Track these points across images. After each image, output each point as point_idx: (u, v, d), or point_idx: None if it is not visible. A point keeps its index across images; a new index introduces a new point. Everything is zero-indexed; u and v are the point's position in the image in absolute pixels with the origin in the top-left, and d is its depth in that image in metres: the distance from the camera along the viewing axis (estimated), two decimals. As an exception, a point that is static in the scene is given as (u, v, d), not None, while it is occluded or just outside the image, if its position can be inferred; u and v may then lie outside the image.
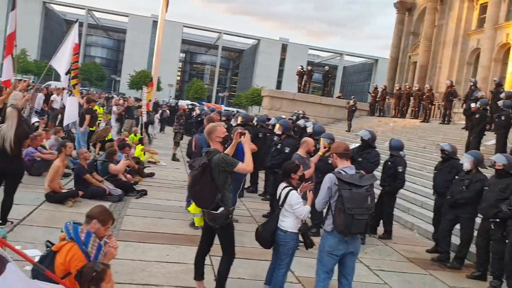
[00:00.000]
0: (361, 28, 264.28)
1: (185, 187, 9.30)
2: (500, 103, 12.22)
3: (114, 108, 19.51)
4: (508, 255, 5.92)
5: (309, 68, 28.30)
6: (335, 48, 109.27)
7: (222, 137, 4.63)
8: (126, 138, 14.17)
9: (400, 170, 8.28)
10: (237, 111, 26.50)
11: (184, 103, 38.06)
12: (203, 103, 47.95)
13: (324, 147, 7.70)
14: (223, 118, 12.67)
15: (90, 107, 13.42)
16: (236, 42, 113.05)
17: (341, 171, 4.29)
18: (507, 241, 6.05)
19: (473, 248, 7.08)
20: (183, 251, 6.25)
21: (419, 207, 10.36)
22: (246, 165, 4.54)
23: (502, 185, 6.38)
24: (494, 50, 30.96)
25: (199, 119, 17.72)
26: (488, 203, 6.45)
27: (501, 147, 11.47)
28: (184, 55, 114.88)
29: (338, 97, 30.37)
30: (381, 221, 8.48)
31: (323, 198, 4.27)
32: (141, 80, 69.74)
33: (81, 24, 64.47)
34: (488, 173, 7.33)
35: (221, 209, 4.41)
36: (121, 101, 21.05)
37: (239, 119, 11.20)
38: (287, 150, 9.19)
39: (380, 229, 8.47)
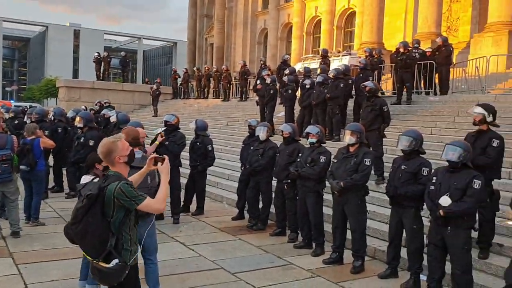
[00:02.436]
0: (158, 11, 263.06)
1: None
2: (285, 78, 13.68)
3: None
4: (300, 210, 6.87)
5: (105, 54, 27.32)
6: (133, 32, 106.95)
7: (127, 155, 3.34)
8: None
9: (210, 148, 8.80)
10: (30, 106, 24.23)
11: (-37, 103, 33.02)
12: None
13: (161, 136, 7.76)
14: (11, 115, 11.50)
15: None
16: (20, 30, 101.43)
17: None
18: (298, 198, 7.00)
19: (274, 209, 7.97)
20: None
21: (227, 179, 11.16)
22: (157, 201, 3.29)
23: (289, 150, 7.30)
24: (279, 30, 34.30)
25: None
26: (280, 167, 7.32)
27: (289, 118, 12.94)
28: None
29: (146, 82, 30.01)
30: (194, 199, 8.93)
31: None
32: None
33: None
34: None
35: (115, 261, 3.17)
36: None
37: (33, 116, 10.35)
38: (91, 142, 8.93)
39: (193, 206, 8.90)
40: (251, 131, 8.73)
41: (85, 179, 4.83)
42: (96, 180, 4.70)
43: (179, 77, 27.28)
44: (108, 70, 27.35)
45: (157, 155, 3.53)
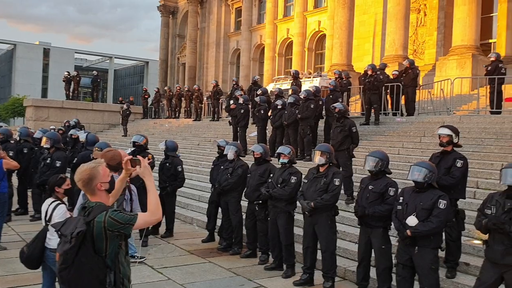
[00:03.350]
0: (129, 31, 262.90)
1: None
2: (257, 99, 13.75)
3: None
4: (271, 231, 6.84)
5: (75, 73, 27.02)
6: (105, 51, 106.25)
7: (109, 181, 3.05)
8: None
9: (180, 169, 8.69)
10: (-4, 126, 23.59)
11: None
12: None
13: (149, 158, 7.67)
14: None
15: None
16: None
17: None
18: (269, 219, 6.97)
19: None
20: None
21: (197, 201, 11.03)
22: (152, 212, 2.99)
23: (261, 171, 7.31)
24: (252, 51, 34.66)
25: None
26: (251, 188, 7.30)
27: (261, 138, 12.97)
28: None
29: (120, 101, 29.43)
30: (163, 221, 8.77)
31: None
32: None
33: None
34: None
35: None
36: None
37: (-2, 136, 10.08)
38: (58, 164, 8.74)
39: (162, 229, 8.74)
40: (220, 152, 8.69)
41: (47, 202, 4.70)
42: (55, 203, 4.61)
43: (149, 96, 27.08)
44: (78, 90, 27.03)
45: (132, 157, 3.18)
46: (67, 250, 2.78)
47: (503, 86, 12.47)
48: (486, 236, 4.57)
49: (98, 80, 28.76)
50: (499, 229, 4.27)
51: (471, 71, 17.15)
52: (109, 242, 2.84)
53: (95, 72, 29.66)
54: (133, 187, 4.49)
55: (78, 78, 26.32)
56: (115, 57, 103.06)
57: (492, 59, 12.99)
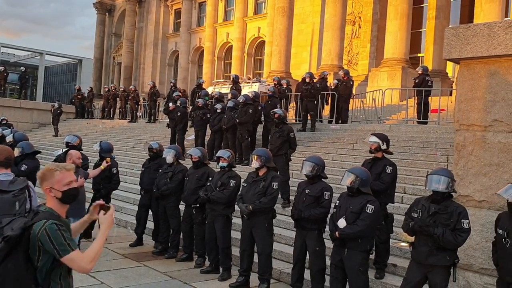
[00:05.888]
0: (63, 27, 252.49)
1: None
2: (200, 100, 13.65)
3: None
4: (208, 234, 6.85)
5: (2, 68, 25.54)
6: (35, 47, 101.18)
7: (63, 191, 2.76)
8: None
9: (115, 171, 8.42)
10: None
11: None
12: None
13: (106, 162, 7.87)
14: None
15: None
16: None
17: None
18: (206, 222, 6.98)
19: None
20: None
21: (132, 204, 10.78)
22: (87, 258, 2.66)
23: (199, 174, 7.29)
24: (190, 53, 34.45)
25: None
26: (189, 191, 7.27)
27: (201, 142, 12.89)
28: None
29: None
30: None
31: None
32: None
33: None
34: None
35: None
36: None
37: None
38: (-19, 162, 8.22)
39: (95, 232, 8.48)
40: (152, 154, 8.51)
41: None
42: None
43: (82, 96, 26.03)
44: (5, 86, 25.57)
45: (104, 203, 2.93)
46: None
47: (429, 98, 13.27)
48: (412, 239, 4.85)
49: (27, 76, 27.40)
50: (424, 231, 4.55)
51: (400, 83, 18.11)
52: (41, 254, 2.61)
53: (23, 68, 28.21)
54: (30, 183, 4.25)
55: (5, 74, 24.88)
56: (46, 54, 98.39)
57: (420, 72, 13.78)
